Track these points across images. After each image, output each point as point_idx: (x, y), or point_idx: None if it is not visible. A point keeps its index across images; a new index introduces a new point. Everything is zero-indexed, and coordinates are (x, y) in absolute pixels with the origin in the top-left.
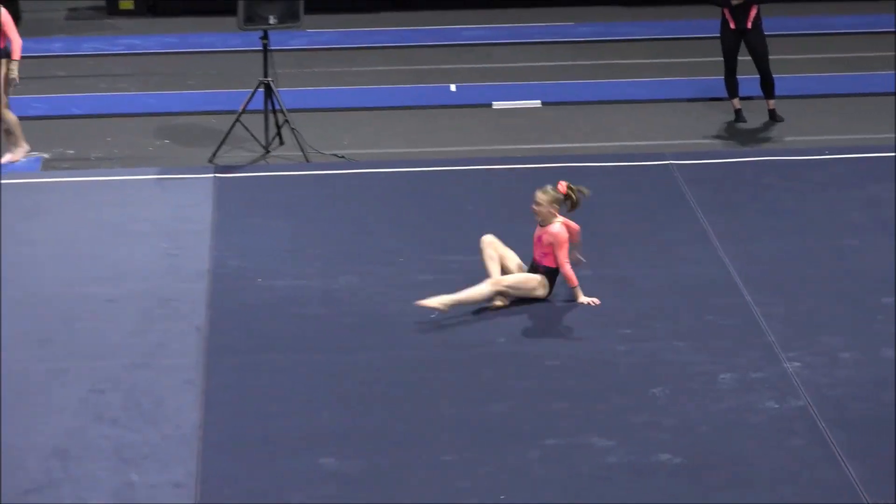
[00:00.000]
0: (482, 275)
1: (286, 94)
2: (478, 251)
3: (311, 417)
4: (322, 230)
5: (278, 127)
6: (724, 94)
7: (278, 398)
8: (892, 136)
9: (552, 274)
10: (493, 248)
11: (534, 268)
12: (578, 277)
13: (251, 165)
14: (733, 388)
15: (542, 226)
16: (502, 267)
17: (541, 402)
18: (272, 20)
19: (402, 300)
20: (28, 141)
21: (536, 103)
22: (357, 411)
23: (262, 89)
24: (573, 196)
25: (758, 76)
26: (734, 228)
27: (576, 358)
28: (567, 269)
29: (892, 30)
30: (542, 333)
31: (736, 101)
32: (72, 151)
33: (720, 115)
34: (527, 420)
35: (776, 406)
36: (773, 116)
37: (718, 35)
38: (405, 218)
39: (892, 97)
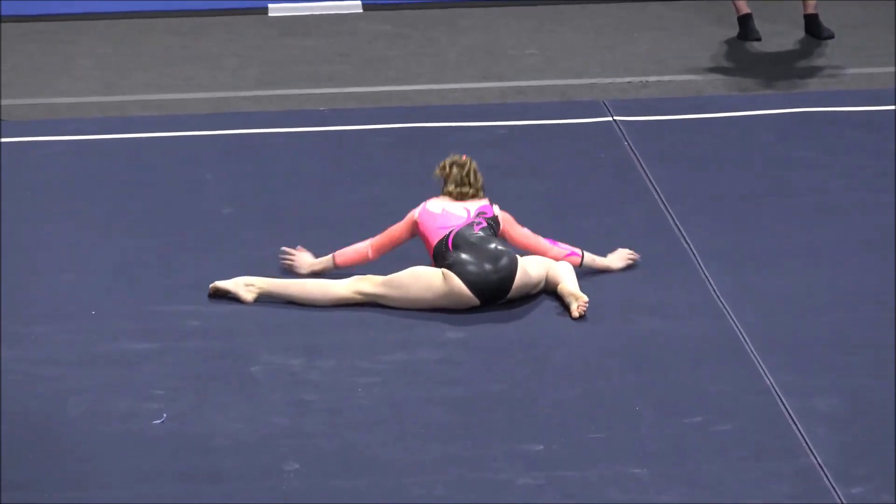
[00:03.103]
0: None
1: None
2: (236, 298)
3: None
4: None
5: None
6: None
7: None
8: None
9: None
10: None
11: None
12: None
13: None
14: None
15: None
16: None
17: None
18: None
19: (95, 391)
20: None
21: (355, 5)
22: None
23: None
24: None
25: None
26: (737, 243)
27: (440, 499)
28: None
29: None
30: (373, 450)
31: (742, 3)
32: None
33: (712, 28)
34: None
35: None
36: (814, 28)
37: None
38: (100, 230)
39: None
